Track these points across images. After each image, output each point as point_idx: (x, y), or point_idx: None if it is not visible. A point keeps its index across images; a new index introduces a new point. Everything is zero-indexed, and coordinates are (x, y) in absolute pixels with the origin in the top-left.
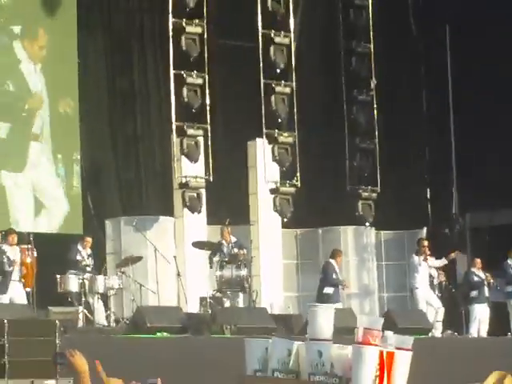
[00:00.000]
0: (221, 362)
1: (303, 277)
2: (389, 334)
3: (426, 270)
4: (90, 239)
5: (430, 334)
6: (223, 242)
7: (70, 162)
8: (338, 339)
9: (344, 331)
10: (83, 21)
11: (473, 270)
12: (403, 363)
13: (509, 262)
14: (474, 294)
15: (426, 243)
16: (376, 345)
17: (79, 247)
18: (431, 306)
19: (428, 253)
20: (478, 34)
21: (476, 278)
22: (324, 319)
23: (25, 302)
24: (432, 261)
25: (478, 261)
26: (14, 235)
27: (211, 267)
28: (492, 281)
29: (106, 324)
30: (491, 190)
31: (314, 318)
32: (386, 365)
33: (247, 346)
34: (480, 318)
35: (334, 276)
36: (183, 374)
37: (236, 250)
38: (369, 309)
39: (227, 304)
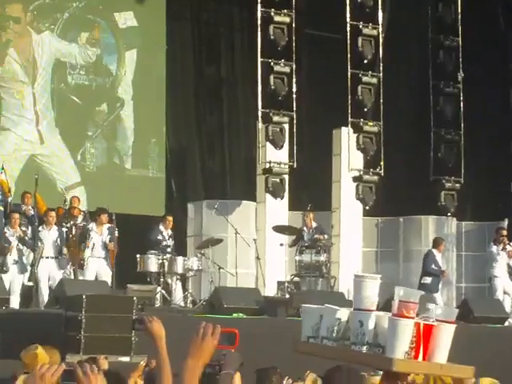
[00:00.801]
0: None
1: (382, 264)
2: (431, 306)
3: (505, 259)
4: (171, 218)
5: (506, 323)
6: (304, 228)
7: (157, 145)
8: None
9: None
10: (173, 9)
11: None
12: (444, 336)
13: None
14: None
15: (504, 232)
16: (412, 317)
17: (161, 227)
18: (508, 295)
19: (507, 242)
20: None
21: None
22: (368, 290)
23: (109, 280)
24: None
25: None
26: (105, 215)
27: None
28: None
29: (183, 304)
30: None
31: (358, 288)
32: (422, 337)
33: (303, 313)
34: None
35: (433, 265)
36: (258, 350)
37: (317, 236)
38: (446, 298)
39: (305, 288)
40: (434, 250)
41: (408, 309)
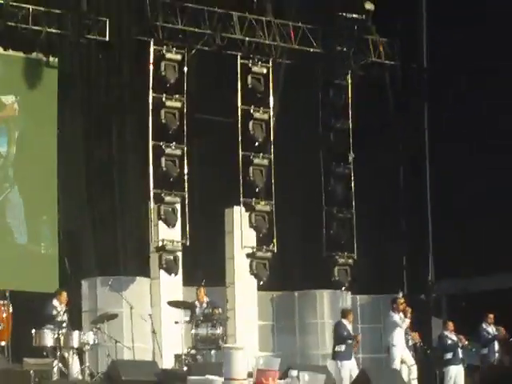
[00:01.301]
0: None
1: (279, 338)
2: (293, 372)
3: (404, 328)
4: (65, 294)
5: None
6: (196, 302)
7: (48, 223)
8: None
9: None
10: (64, 93)
11: (446, 333)
12: None
13: (483, 325)
14: (448, 355)
15: (402, 300)
16: None
17: (55, 302)
18: (405, 363)
19: (408, 309)
20: (457, 112)
21: (449, 341)
22: (237, 360)
23: None
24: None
25: (451, 324)
26: None
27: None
28: (466, 342)
29: (80, 377)
30: (467, 258)
31: (228, 359)
32: None
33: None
34: (455, 379)
35: (345, 333)
36: None
37: (209, 310)
38: None
39: (201, 360)
40: (344, 320)
41: (267, 376)
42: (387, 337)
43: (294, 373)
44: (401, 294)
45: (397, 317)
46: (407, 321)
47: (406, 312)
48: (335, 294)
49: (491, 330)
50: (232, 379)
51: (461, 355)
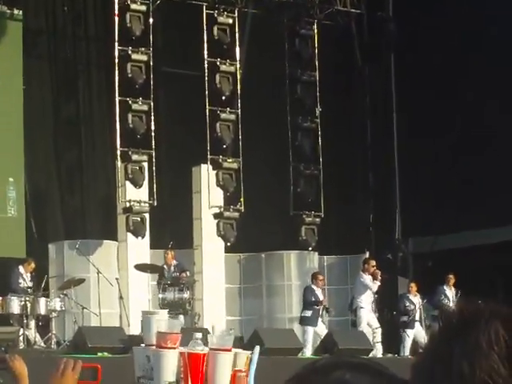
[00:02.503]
0: None
1: (246, 301)
2: (198, 335)
3: (374, 290)
4: (32, 262)
5: (370, 355)
6: (165, 266)
7: (14, 185)
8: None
9: (282, 351)
10: (29, 47)
11: (407, 295)
12: (219, 364)
13: (442, 287)
14: (404, 318)
15: (374, 263)
16: (173, 347)
17: (21, 270)
18: (370, 327)
19: (378, 272)
20: (423, 63)
21: (408, 304)
22: (155, 326)
23: None
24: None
25: (413, 285)
26: None
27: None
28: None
29: (46, 346)
30: (433, 216)
31: (147, 325)
32: (189, 367)
33: (134, 354)
34: (416, 340)
35: (312, 298)
36: None
37: (177, 274)
38: None
39: None
40: (312, 285)
41: (166, 340)
42: (355, 298)
43: (199, 335)
44: (367, 255)
45: (366, 277)
46: (377, 283)
47: (376, 274)
48: (302, 255)
49: (450, 292)
50: (150, 345)
51: (417, 318)
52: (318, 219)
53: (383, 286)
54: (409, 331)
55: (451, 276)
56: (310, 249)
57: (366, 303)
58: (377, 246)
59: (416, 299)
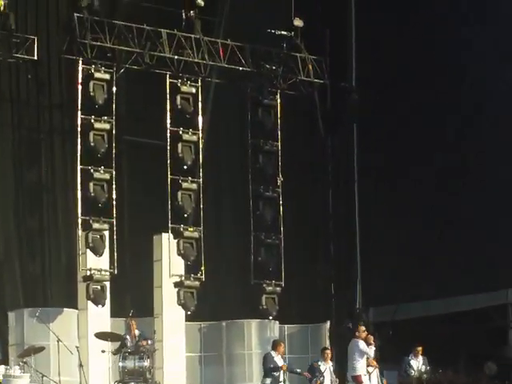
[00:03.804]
0: None
1: (206, 369)
2: None
3: (371, 356)
4: None
5: None
6: (127, 335)
7: None
8: None
9: None
10: None
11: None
12: None
13: (409, 357)
14: None
15: (363, 328)
16: None
17: None
18: None
19: (371, 337)
20: (386, 134)
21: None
22: None
23: None
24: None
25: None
26: None
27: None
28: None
29: None
30: (394, 286)
31: None
32: None
33: None
34: None
35: (271, 365)
36: None
37: (140, 342)
38: None
39: None
40: (272, 352)
41: None
42: (352, 365)
43: None
44: (328, 324)
45: (361, 343)
46: (372, 348)
47: (369, 339)
48: (263, 324)
49: (416, 362)
50: None
51: None
52: (278, 288)
53: (344, 355)
54: None
55: (419, 349)
56: (271, 318)
57: (363, 370)
58: (337, 315)
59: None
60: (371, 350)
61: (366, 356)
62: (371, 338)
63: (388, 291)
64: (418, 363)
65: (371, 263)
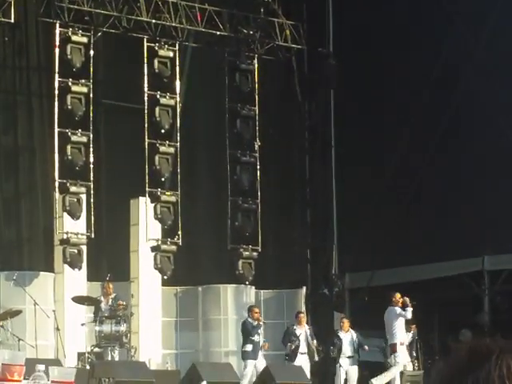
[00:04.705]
0: None
1: (182, 334)
2: (41, 367)
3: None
4: None
5: None
6: (102, 298)
7: None
8: None
9: None
10: None
11: (337, 331)
12: None
13: (293, 328)
14: (335, 353)
15: (399, 295)
16: (17, 380)
17: None
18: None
19: (407, 299)
20: (363, 99)
21: (335, 340)
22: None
23: None
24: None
25: (345, 321)
26: None
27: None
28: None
29: None
30: (370, 253)
31: None
32: None
33: None
34: (348, 378)
35: (251, 332)
36: None
37: (115, 306)
38: None
39: (108, 359)
40: (249, 319)
41: (12, 372)
42: (393, 334)
43: (42, 367)
44: (304, 290)
45: (399, 309)
46: (410, 309)
47: (406, 301)
48: (239, 289)
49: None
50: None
51: (350, 353)
52: (255, 253)
53: (319, 321)
54: (340, 367)
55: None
56: (247, 283)
57: (401, 337)
58: (313, 281)
59: (348, 336)
60: (408, 312)
61: (403, 320)
62: (407, 299)
63: (363, 258)
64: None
65: (347, 230)
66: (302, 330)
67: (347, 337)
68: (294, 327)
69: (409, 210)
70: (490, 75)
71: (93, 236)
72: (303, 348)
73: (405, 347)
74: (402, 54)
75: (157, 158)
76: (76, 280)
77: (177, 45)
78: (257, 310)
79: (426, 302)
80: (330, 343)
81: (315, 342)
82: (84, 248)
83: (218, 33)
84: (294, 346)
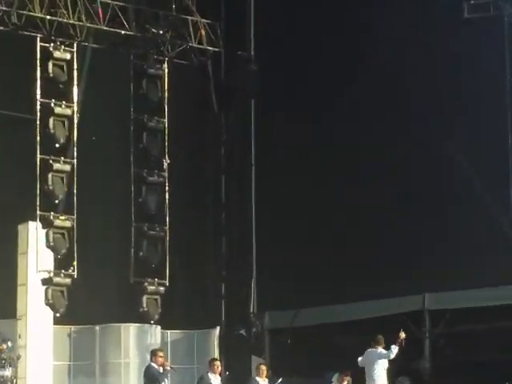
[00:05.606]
0: None
1: (76, 381)
2: None
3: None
4: None
5: None
6: None
7: None
8: None
9: None
10: None
11: (257, 379)
12: None
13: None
14: None
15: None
16: None
17: None
18: None
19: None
20: (288, 111)
21: None
22: None
23: None
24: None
25: (264, 368)
26: None
27: None
28: None
29: None
30: (294, 288)
31: None
32: None
33: None
34: None
35: (158, 377)
36: None
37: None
38: None
39: None
40: (153, 363)
41: None
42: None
43: None
44: (218, 331)
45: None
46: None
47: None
48: (143, 329)
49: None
50: None
51: None
52: (162, 288)
53: (235, 366)
54: None
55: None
56: (152, 322)
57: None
58: (228, 321)
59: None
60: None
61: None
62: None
63: (286, 294)
64: None
65: (269, 262)
66: (218, 380)
67: None
68: (209, 375)
69: (340, 241)
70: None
71: None
72: None
73: None
74: (331, 57)
75: (50, 176)
76: None
77: (75, 45)
78: (161, 353)
79: (357, 346)
80: None
81: None
82: None
83: (123, 32)
84: None
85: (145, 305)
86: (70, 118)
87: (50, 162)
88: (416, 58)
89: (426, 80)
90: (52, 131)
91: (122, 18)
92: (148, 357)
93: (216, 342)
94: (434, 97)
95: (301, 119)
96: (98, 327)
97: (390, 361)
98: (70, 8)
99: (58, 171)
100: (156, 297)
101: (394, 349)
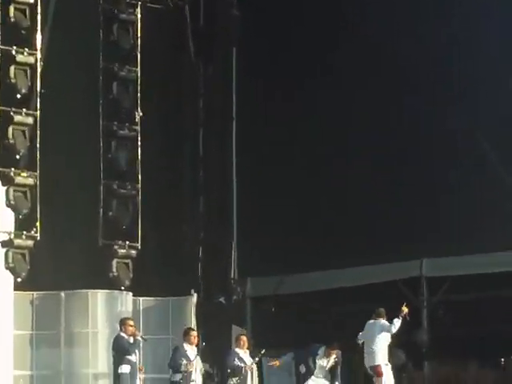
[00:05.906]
0: None
1: (39, 351)
2: None
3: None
4: None
5: None
6: None
7: None
8: None
9: None
10: None
11: (237, 350)
12: None
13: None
14: (233, 381)
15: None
16: None
17: None
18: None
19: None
20: (271, 60)
21: (237, 362)
22: None
23: None
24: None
25: (245, 339)
26: None
27: None
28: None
29: None
30: (279, 253)
31: None
32: None
33: None
34: None
35: (128, 348)
36: None
37: None
38: None
39: None
40: (122, 333)
41: None
42: (378, 351)
43: None
44: (195, 298)
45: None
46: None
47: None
48: (112, 295)
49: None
50: None
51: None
52: (133, 251)
53: (213, 337)
54: None
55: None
56: (123, 288)
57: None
58: (206, 287)
59: (247, 357)
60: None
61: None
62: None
63: (270, 259)
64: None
65: (251, 224)
66: (194, 352)
67: (247, 357)
68: (185, 347)
69: (328, 202)
70: None
71: None
72: (196, 375)
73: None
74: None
75: (10, 129)
76: None
77: None
78: (131, 322)
79: (349, 315)
80: (227, 365)
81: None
82: None
83: None
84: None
85: (114, 269)
86: (33, 67)
87: (11, 113)
88: (404, 24)
89: (416, 50)
90: (13, 81)
91: None
92: (118, 326)
93: (193, 311)
94: (424, 70)
95: (285, 74)
96: (63, 293)
97: None
98: None
99: (19, 124)
100: (127, 261)
101: (397, 322)
